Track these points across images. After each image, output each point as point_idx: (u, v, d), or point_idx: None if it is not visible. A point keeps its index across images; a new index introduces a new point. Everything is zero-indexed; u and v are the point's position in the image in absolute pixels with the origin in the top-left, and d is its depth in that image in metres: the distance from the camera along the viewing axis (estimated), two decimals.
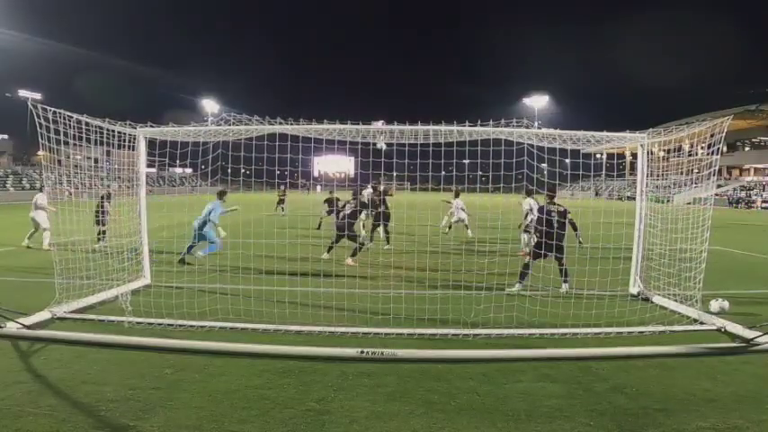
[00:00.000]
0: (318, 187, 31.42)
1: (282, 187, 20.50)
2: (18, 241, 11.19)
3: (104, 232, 9.76)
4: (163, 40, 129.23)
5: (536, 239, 7.23)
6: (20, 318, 5.00)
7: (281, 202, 21.38)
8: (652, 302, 6.42)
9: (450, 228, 14.11)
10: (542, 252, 6.76)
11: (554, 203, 7.18)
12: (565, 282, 7.08)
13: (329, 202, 14.18)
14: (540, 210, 7.34)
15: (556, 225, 6.84)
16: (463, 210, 13.72)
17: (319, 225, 14.86)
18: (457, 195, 13.90)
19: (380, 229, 11.66)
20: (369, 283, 7.06)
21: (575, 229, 7.56)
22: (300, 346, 4.56)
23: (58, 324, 5.20)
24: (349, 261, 9.16)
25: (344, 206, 9.95)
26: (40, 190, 11.58)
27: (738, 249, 12.47)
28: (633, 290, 6.93)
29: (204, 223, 8.67)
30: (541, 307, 5.62)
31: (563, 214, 7.11)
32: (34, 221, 10.93)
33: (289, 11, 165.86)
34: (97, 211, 9.84)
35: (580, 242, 8.18)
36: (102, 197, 10.21)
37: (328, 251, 9.58)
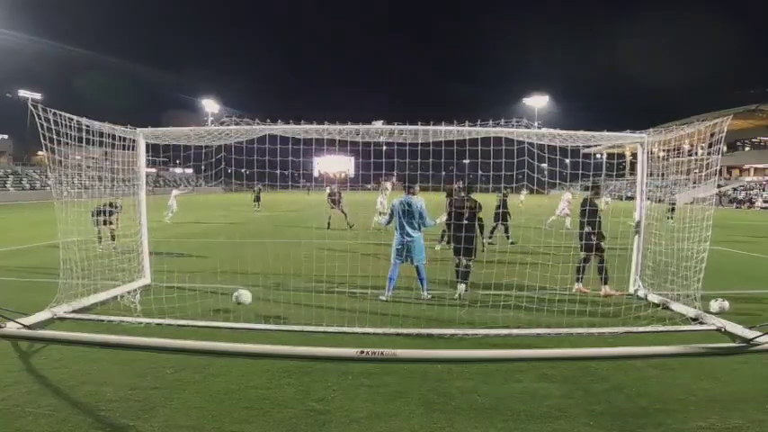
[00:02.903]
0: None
1: (258, 186, 24.34)
2: (18, 242, 11.19)
3: (112, 234, 9.67)
4: (163, 40, 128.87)
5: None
6: (20, 318, 5.00)
7: (257, 199, 24.75)
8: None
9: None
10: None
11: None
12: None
13: (331, 196, 15.27)
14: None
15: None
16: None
17: (328, 225, 14.81)
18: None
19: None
20: (369, 282, 7.05)
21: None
22: (300, 346, 4.56)
23: (58, 324, 5.20)
24: (607, 290, 6.85)
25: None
26: None
27: (738, 249, 12.47)
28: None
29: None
30: (539, 307, 5.61)
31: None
32: None
33: (289, 11, 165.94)
34: (93, 213, 9.62)
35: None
36: (105, 206, 9.46)
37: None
